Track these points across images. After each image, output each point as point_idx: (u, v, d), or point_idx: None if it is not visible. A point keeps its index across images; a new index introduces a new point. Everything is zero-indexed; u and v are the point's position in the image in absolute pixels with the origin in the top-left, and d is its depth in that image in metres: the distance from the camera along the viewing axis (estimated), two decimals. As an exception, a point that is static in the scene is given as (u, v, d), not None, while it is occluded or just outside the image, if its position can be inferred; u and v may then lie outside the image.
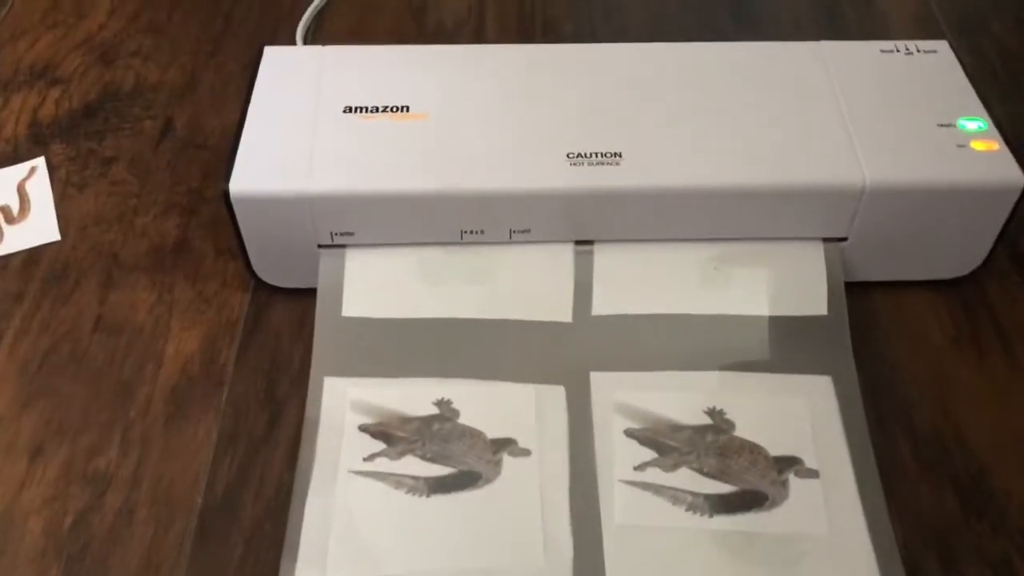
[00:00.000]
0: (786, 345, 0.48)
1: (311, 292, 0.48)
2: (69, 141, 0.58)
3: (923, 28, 0.67)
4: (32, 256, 0.52)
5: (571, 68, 0.51)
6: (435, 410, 0.46)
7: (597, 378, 0.47)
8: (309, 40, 0.66)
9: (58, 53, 0.64)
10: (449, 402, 0.46)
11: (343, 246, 0.48)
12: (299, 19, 0.66)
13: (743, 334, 0.48)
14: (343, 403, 0.46)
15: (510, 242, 0.48)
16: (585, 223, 0.48)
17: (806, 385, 0.47)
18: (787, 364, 0.47)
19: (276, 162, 0.46)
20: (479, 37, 0.66)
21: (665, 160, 0.47)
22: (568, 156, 0.47)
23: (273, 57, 0.52)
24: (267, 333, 0.49)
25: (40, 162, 0.57)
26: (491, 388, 0.47)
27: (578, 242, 0.49)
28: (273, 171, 0.46)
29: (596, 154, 0.47)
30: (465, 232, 0.48)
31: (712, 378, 0.47)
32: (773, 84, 0.50)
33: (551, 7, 0.68)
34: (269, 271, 0.50)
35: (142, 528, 0.42)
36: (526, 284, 0.49)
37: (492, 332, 0.48)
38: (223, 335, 0.49)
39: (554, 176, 0.46)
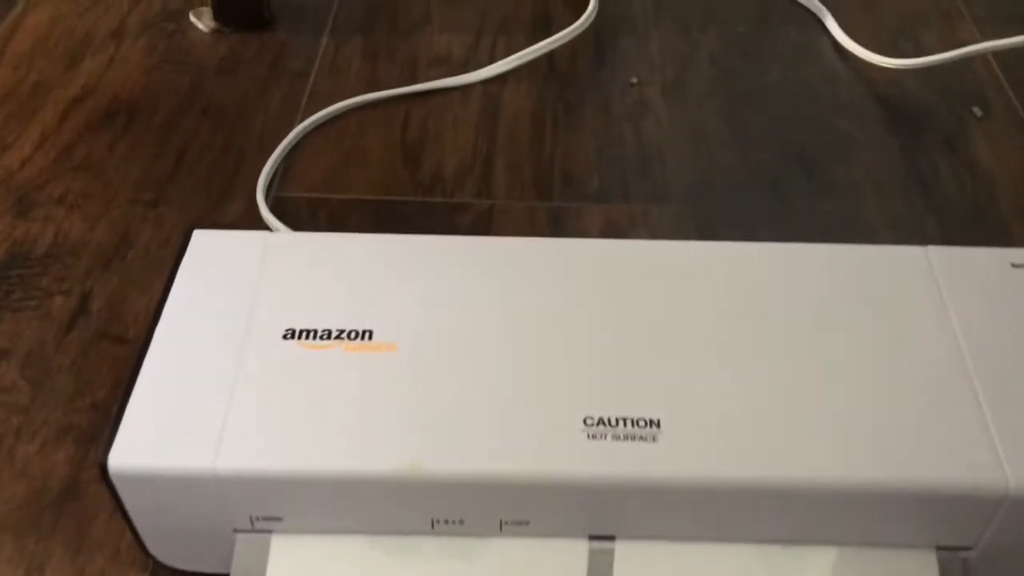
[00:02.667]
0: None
1: (228, 580, 0.35)
2: (-45, 323, 0.46)
3: (1038, 193, 0.53)
4: None
5: (596, 282, 0.38)
6: None
7: None
8: (275, 188, 0.53)
9: (-35, 197, 0.53)
10: None
11: (268, 531, 0.35)
12: (268, 156, 0.54)
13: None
14: None
15: (500, 534, 0.35)
16: (606, 516, 0.34)
17: None
18: None
19: (179, 420, 0.33)
20: (484, 190, 0.53)
21: (721, 436, 0.33)
22: (586, 423, 0.34)
23: (202, 246, 0.40)
24: (162, 646, 0.36)
25: (-86, 352, 0.45)
26: None
27: (594, 536, 0.35)
28: (172, 436, 0.33)
29: (625, 421, 0.34)
30: (437, 521, 0.35)
31: None
32: (866, 321, 0.37)
33: (575, 155, 0.56)
34: (169, 555, 0.36)
35: None
36: (521, 569, 0.35)
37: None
38: (102, 645, 0.36)
39: (565, 454, 0.33)
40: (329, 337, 0.36)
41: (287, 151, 0.55)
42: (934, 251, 0.40)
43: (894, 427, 0.33)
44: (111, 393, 0.43)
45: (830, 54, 0.63)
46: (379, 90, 0.59)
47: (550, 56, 0.63)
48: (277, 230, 0.49)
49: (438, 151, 0.56)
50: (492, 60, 0.62)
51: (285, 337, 0.36)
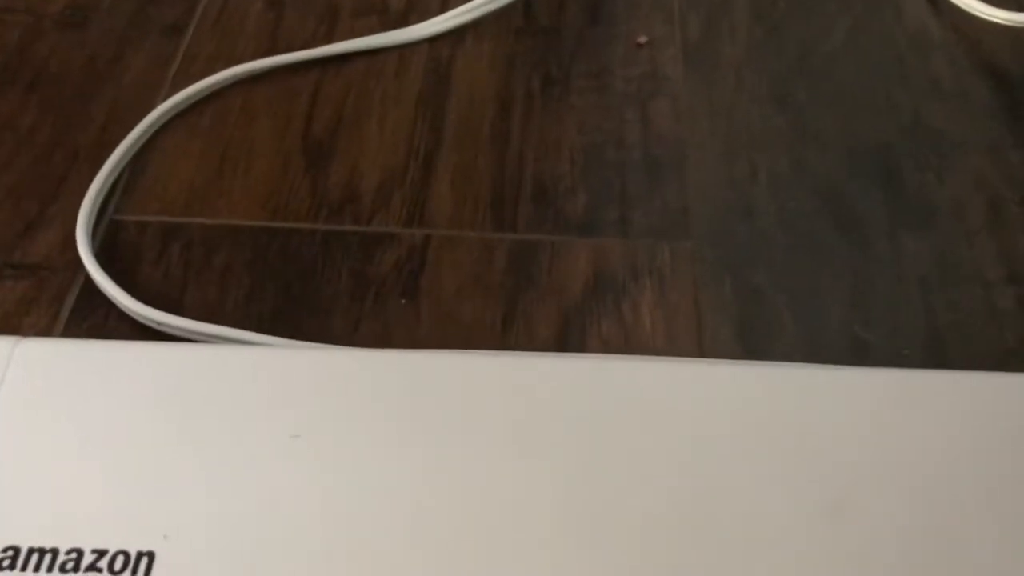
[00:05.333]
0: None
1: None
2: None
3: None
4: None
5: (538, 455, 0.22)
6: None
7: None
8: (114, 206, 0.37)
9: None
10: None
11: None
12: (108, 155, 0.37)
13: None
14: None
15: None
16: None
17: None
18: None
19: None
20: (418, 211, 0.37)
21: None
22: None
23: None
24: None
25: None
26: None
27: None
28: None
29: None
30: None
31: None
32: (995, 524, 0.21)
33: (553, 156, 0.39)
34: None
35: None
36: None
37: None
38: None
39: None
40: (77, 567, 0.21)
41: (137, 147, 0.38)
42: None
43: None
44: None
45: (919, 3, 0.45)
46: (280, 53, 0.42)
47: (526, 4, 0.45)
48: (99, 282, 0.33)
49: (356, 148, 0.39)
50: (445, 9, 0.44)
51: (2, 564, 0.21)
